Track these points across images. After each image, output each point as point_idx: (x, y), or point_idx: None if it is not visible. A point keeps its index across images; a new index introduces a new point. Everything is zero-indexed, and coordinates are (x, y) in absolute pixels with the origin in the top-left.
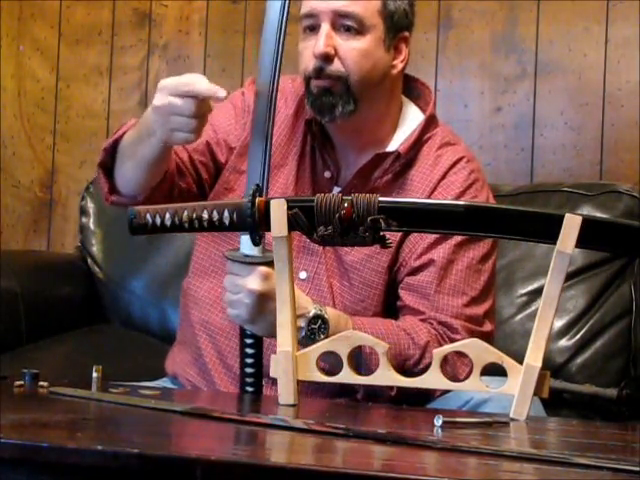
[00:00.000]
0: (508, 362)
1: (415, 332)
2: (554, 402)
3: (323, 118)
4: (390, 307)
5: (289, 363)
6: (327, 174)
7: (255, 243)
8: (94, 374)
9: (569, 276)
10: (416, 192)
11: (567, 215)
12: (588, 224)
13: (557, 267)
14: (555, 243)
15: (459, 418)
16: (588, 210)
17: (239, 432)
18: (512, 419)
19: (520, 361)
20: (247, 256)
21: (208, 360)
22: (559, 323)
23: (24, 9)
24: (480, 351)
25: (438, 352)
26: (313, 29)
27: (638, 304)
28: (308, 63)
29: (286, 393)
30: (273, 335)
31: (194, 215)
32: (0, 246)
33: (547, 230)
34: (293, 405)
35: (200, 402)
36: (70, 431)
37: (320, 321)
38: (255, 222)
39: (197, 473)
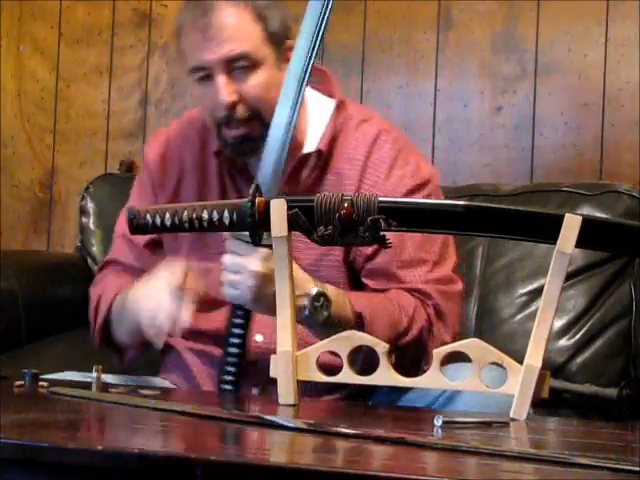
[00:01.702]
0: (508, 362)
1: (403, 300)
2: (554, 402)
3: (247, 159)
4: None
5: (289, 363)
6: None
7: (255, 243)
8: (94, 374)
9: (569, 276)
10: (348, 179)
11: (567, 215)
12: (588, 224)
13: (557, 267)
14: (555, 243)
15: (459, 418)
16: (588, 210)
17: (239, 432)
18: (512, 419)
19: (520, 361)
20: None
21: (199, 377)
22: (559, 323)
23: (24, 9)
24: (480, 351)
25: (438, 352)
26: (207, 77)
27: (638, 304)
28: (214, 111)
29: (286, 393)
30: (272, 313)
31: (194, 215)
32: (0, 246)
33: (547, 230)
34: (293, 405)
35: (200, 402)
36: (70, 431)
37: (322, 298)
38: (255, 222)
39: (197, 473)
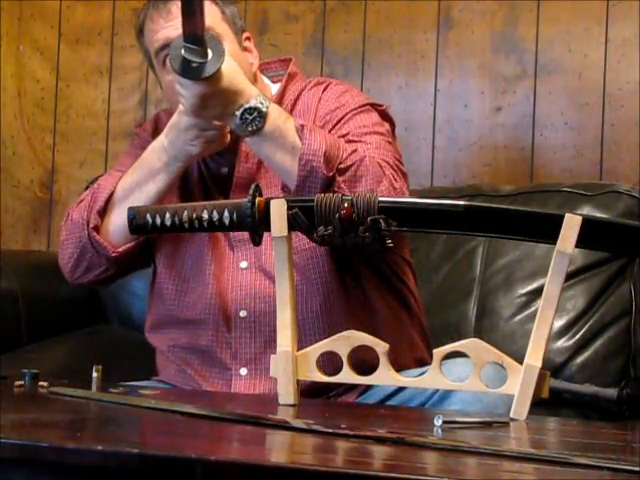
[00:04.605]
0: (508, 362)
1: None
2: (554, 402)
3: None
4: (340, 263)
5: (289, 363)
6: (224, 170)
7: (255, 243)
8: (94, 374)
9: (569, 276)
10: (307, 121)
11: (567, 215)
12: (588, 224)
13: (557, 267)
14: (555, 243)
15: (459, 418)
16: (588, 210)
17: (239, 432)
18: (512, 419)
19: (520, 361)
20: (189, 63)
21: (189, 370)
22: (559, 323)
23: (24, 9)
24: (480, 351)
25: (438, 352)
26: None
27: (638, 304)
28: None
29: (286, 393)
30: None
31: (194, 215)
32: (0, 246)
33: (547, 230)
34: (293, 405)
35: (200, 402)
36: (70, 431)
37: (256, 113)
38: (255, 222)
39: (197, 473)
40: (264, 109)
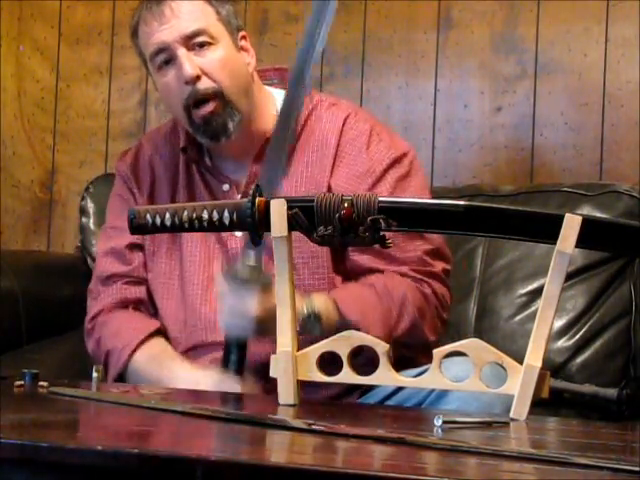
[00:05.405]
0: (508, 362)
1: (392, 289)
2: (554, 402)
3: (219, 141)
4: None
5: (289, 363)
6: (225, 187)
7: (255, 243)
8: (94, 374)
9: (569, 276)
10: (324, 159)
11: (567, 215)
12: (588, 224)
13: (557, 267)
14: (555, 243)
15: (459, 418)
16: (588, 210)
17: (239, 432)
18: (512, 419)
19: (520, 361)
20: (245, 278)
21: None
22: (559, 323)
23: (24, 9)
24: (480, 351)
25: (438, 352)
26: (169, 61)
27: (638, 304)
28: (180, 93)
29: (286, 393)
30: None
31: (194, 215)
32: (0, 246)
33: (547, 230)
34: (293, 405)
35: (200, 402)
36: (70, 431)
37: (313, 316)
38: (255, 222)
39: (197, 473)
40: (319, 310)
